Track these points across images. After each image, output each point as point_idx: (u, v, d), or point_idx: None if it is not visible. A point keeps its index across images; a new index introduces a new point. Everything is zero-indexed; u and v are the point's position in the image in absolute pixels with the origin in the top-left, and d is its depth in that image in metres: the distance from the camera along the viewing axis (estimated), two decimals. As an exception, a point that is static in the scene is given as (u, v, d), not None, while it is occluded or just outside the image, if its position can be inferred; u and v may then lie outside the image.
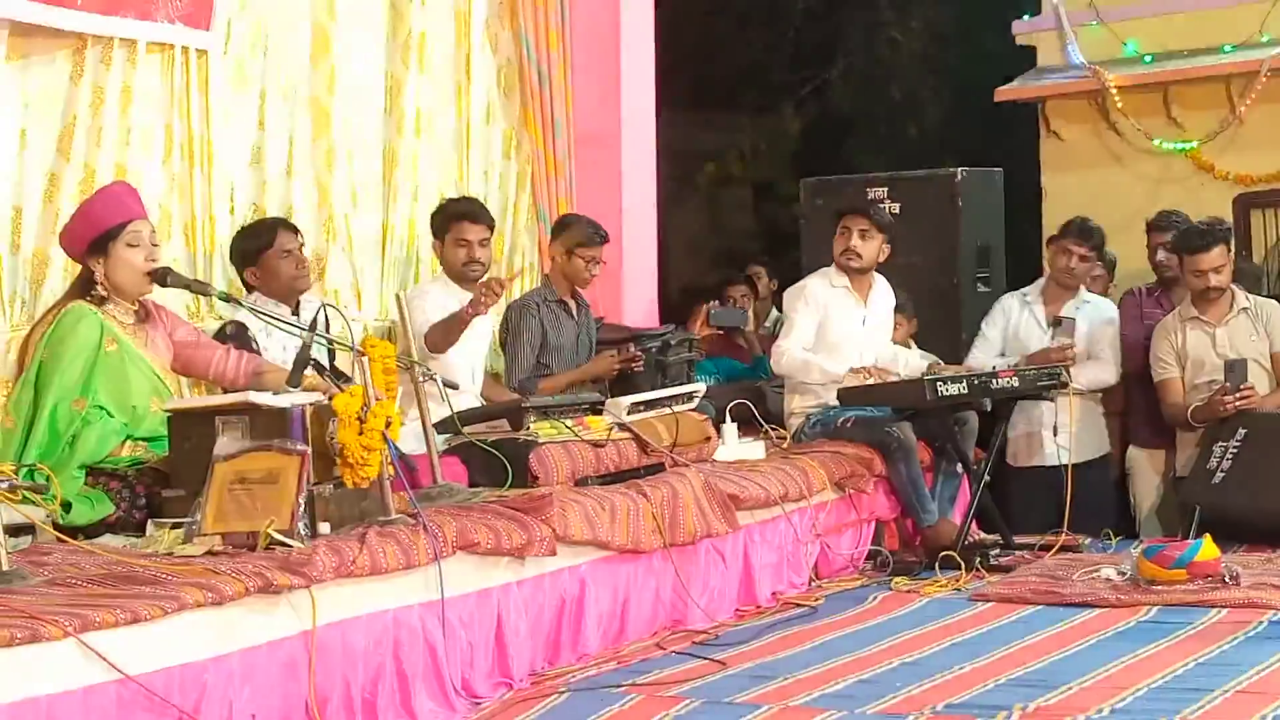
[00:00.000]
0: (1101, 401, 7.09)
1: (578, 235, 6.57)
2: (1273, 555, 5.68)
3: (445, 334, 5.66)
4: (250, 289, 5.54)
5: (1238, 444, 6.27)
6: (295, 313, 5.43)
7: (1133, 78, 9.22)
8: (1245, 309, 6.64)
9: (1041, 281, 7.21)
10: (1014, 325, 7.04)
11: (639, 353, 6.62)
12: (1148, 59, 9.24)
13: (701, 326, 7.37)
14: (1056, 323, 6.82)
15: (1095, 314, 7.01)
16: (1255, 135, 8.95)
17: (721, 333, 7.58)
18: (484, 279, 5.88)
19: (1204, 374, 6.58)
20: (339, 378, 4.61)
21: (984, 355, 7.01)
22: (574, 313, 6.58)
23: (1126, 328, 7.01)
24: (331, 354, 4.96)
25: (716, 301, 7.76)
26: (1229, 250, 6.69)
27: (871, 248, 6.50)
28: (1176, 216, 7.17)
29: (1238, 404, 6.32)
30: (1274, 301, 6.81)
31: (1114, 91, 9.21)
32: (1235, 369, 6.36)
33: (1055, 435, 6.75)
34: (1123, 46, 9.35)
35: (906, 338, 7.16)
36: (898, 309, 6.92)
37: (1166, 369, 6.68)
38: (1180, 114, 9.18)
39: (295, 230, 5.71)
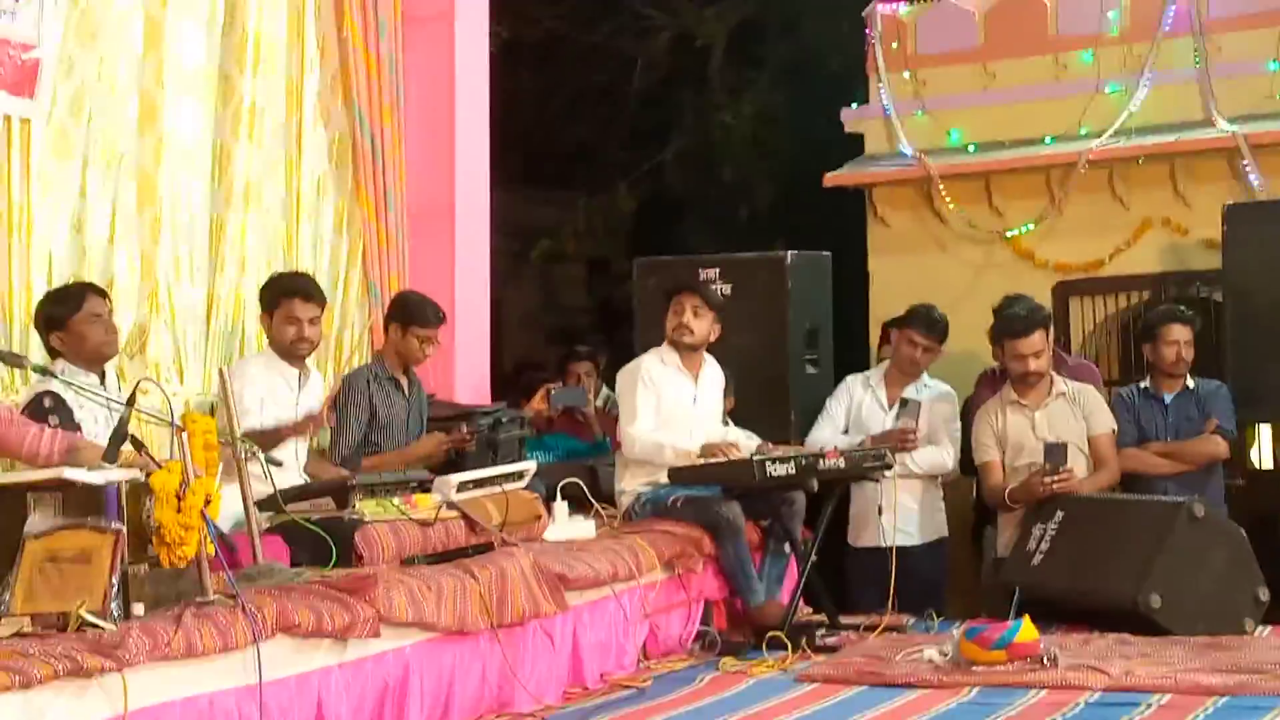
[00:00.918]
0: (943, 485, 7.18)
1: (415, 315, 6.52)
2: (1090, 636, 5.80)
3: (262, 442, 5.46)
4: (55, 355, 5.35)
5: (1056, 526, 6.41)
6: (102, 381, 5.28)
7: (956, 166, 9.48)
8: (1063, 393, 6.81)
9: (884, 365, 7.31)
10: (856, 406, 7.13)
11: (467, 434, 6.56)
12: (971, 148, 9.51)
13: (540, 403, 7.35)
14: (902, 404, 6.90)
15: (936, 399, 7.11)
16: (1073, 225, 9.25)
17: (563, 412, 7.58)
18: (306, 417, 5.79)
19: (1023, 456, 6.73)
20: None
21: (828, 433, 7.07)
22: (406, 390, 6.52)
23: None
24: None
25: (560, 382, 7.76)
26: (1048, 335, 6.88)
27: (704, 325, 6.55)
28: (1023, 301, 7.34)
29: (1055, 486, 6.47)
30: (1090, 387, 7.00)
31: (938, 180, 9.46)
32: (1053, 452, 6.51)
33: (881, 515, 6.85)
34: (947, 135, 9.61)
35: (724, 415, 7.23)
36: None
37: (987, 451, 6.82)
38: (1001, 202, 9.46)
39: (104, 295, 5.56)
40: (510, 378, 9.66)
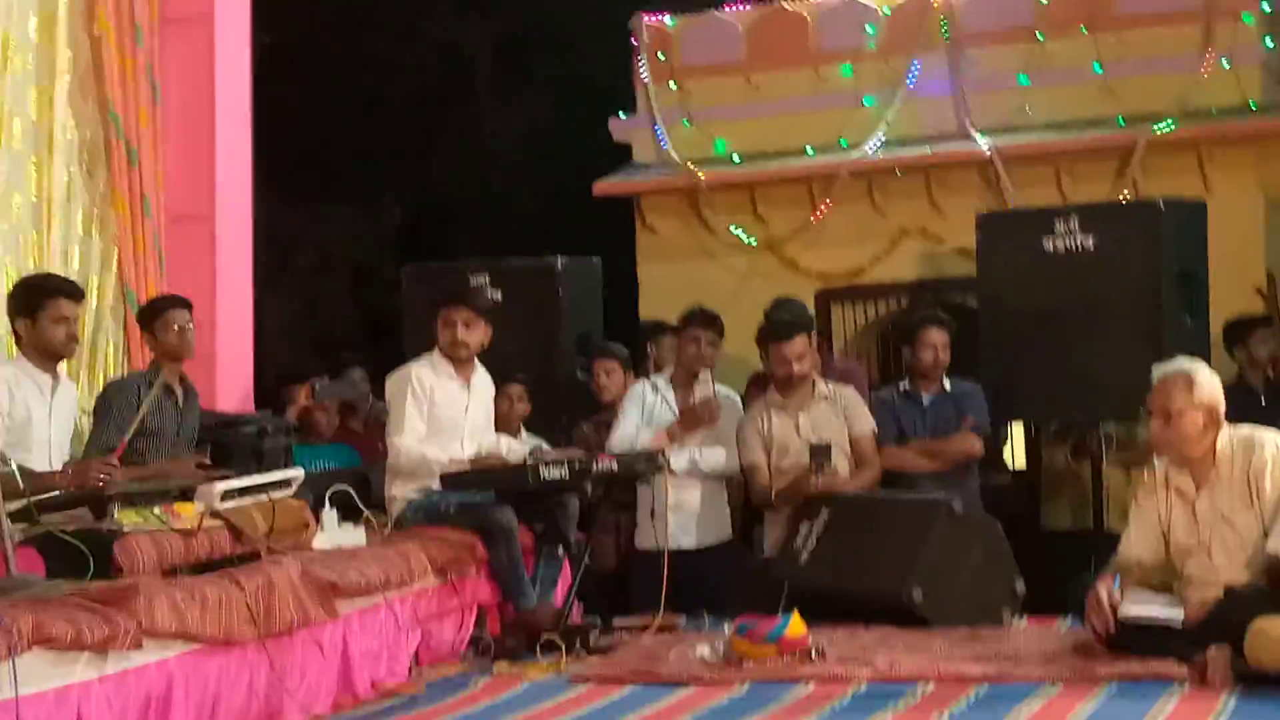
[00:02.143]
0: (728, 487, 7.20)
1: (155, 308, 6.33)
2: (857, 630, 5.91)
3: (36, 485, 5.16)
4: None
5: (822, 524, 6.54)
6: None
7: (721, 176, 9.64)
8: (826, 396, 6.96)
9: (668, 370, 7.33)
10: (649, 410, 7.14)
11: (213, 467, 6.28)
12: (736, 159, 9.67)
13: (306, 398, 7.17)
14: (813, 453, 6.68)
15: (724, 402, 7.14)
16: (835, 234, 9.49)
17: (338, 412, 7.40)
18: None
19: (789, 457, 6.85)
20: None
21: (626, 434, 6.99)
22: (179, 399, 6.29)
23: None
24: None
25: (325, 378, 7.60)
26: (811, 340, 7.03)
27: (476, 336, 6.51)
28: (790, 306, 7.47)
29: (820, 485, 6.61)
30: (852, 389, 7.17)
31: (704, 189, 9.60)
32: (818, 452, 6.65)
33: (653, 518, 6.88)
34: (714, 145, 9.76)
35: (521, 419, 7.21)
36: (516, 387, 7.05)
37: (753, 453, 6.92)
38: (766, 211, 9.64)
39: None
40: (273, 390, 9.45)
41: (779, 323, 6.96)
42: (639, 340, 8.08)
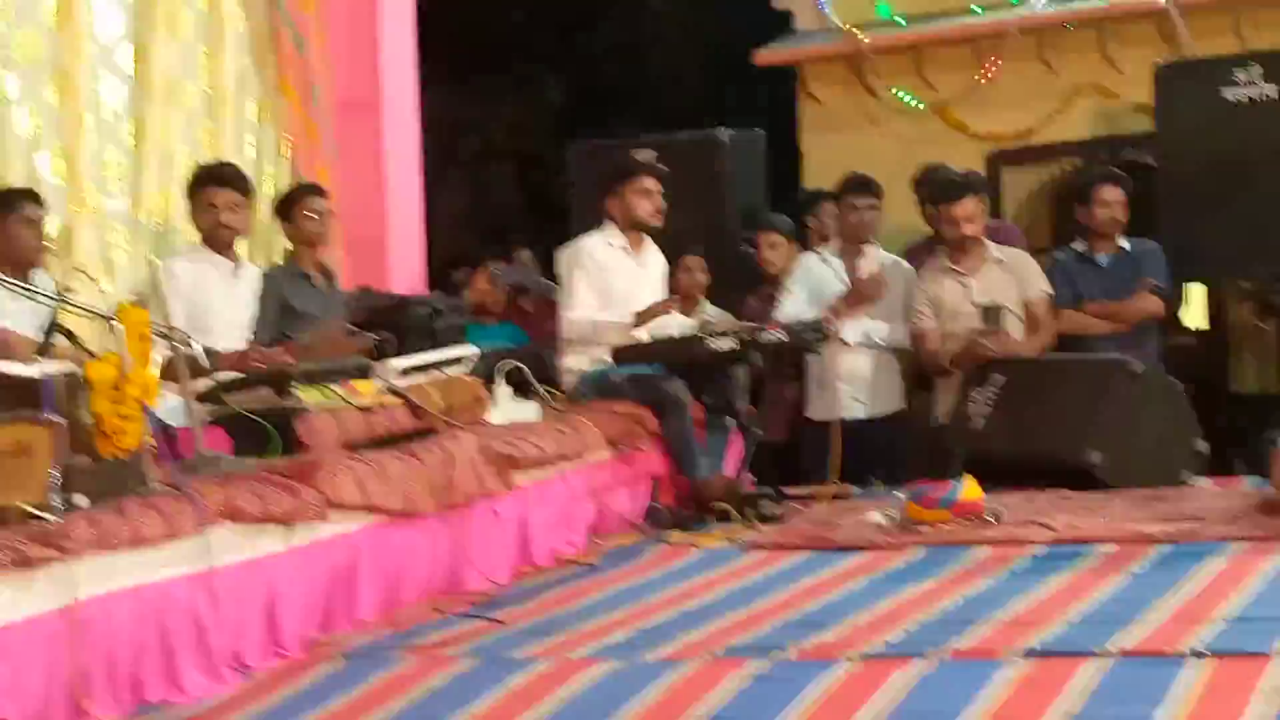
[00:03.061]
0: (899, 358, 7.12)
1: (292, 197, 6.42)
2: (1033, 494, 5.85)
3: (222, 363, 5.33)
4: None
5: (995, 389, 6.46)
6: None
7: (885, 40, 9.44)
8: (999, 260, 6.84)
9: (835, 240, 7.25)
10: (816, 281, 7.09)
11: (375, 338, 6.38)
12: (900, 20, 9.46)
13: (485, 283, 7.24)
14: (986, 315, 6.65)
15: (894, 271, 7.07)
16: (1005, 95, 9.26)
17: (508, 293, 7.48)
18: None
19: (959, 322, 6.76)
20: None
21: (793, 308, 6.95)
22: (321, 285, 6.39)
23: None
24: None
25: (501, 262, 7.68)
26: (981, 201, 6.89)
27: (657, 201, 6.53)
28: (947, 171, 7.33)
29: (994, 348, 6.51)
30: (1025, 253, 7.03)
31: (868, 53, 9.41)
32: (992, 315, 6.55)
33: (824, 388, 6.87)
34: (876, 7, 9.55)
35: (701, 290, 7.22)
36: (694, 259, 7.10)
37: (922, 318, 6.84)
38: (932, 74, 9.43)
39: (40, 202, 5.48)
40: (443, 274, 9.57)
41: (949, 182, 6.85)
42: (805, 212, 8.01)
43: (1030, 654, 3.73)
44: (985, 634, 3.99)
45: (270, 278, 6.32)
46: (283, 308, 6.17)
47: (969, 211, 6.73)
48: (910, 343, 6.91)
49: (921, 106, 9.39)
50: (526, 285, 7.83)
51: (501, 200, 17.42)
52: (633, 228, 6.56)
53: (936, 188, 6.90)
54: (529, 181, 16.46)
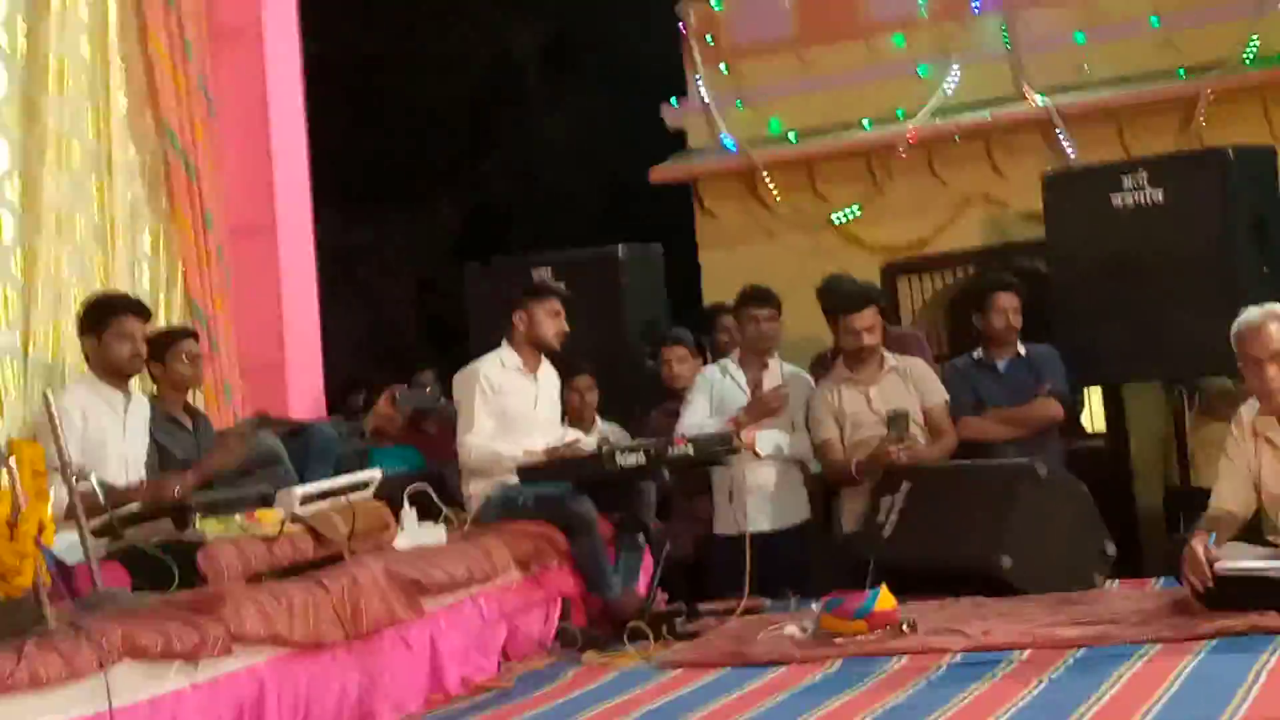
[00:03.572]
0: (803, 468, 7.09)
1: (165, 338, 6.26)
2: (946, 602, 5.84)
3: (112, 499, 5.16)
4: None
5: (904, 496, 6.46)
6: None
7: (778, 155, 9.56)
8: (894, 368, 6.89)
9: (735, 352, 7.26)
10: (718, 394, 7.07)
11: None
12: (792, 137, 9.59)
13: (387, 407, 7.15)
14: (892, 421, 6.63)
15: (795, 383, 7.09)
16: (896, 206, 9.39)
17: (409, 416, 7.39)
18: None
19: (862, 431, 6.78)
20: None
21: (694, 419, 6.91)
22: (191, 428, 6.27)
23: None
24: None
25: (405, 385, 7.60)
26: (879, 312, 6.95)
27: (563, 324, 6.53)
28: (846, 283, 7.39)
29: (901, 454, 6.53)
30: (920, 360, 7.09)
31: (762, 169, 9.52)
32: (897, 420, 6.58)
33: (730, 502, 6.84)
34: (768, 125, 9.68)
35: (593, 410, 7.19)
36: (584, 379, 7.06)
37: (826, 429, 6.85)
38: (825, 188, 9.56)
39: None
40: (340, 398, 9.45)
41: (849, 294, 6.91)
42: (704, 326, 8.03)
43: (955, 765, 3.68)
44: (910, 746, 3.95)
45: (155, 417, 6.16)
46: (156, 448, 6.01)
47: (868, 322, 6.79)
48: (815, 452, 6.91)
49: (850, 216, 9.41)
50: (428, 408, 7.73)
51: (397, 323, 17.34)
52: (534, 346, 6.52)
53: (836, 298, 6.95)
54: (425, 304, 16.41)
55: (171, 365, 6.20)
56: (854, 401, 6.83)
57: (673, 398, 7.38)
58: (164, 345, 6.21)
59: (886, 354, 6.93)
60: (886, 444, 6.56)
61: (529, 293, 6.60)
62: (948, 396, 6.90)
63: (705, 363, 7.47)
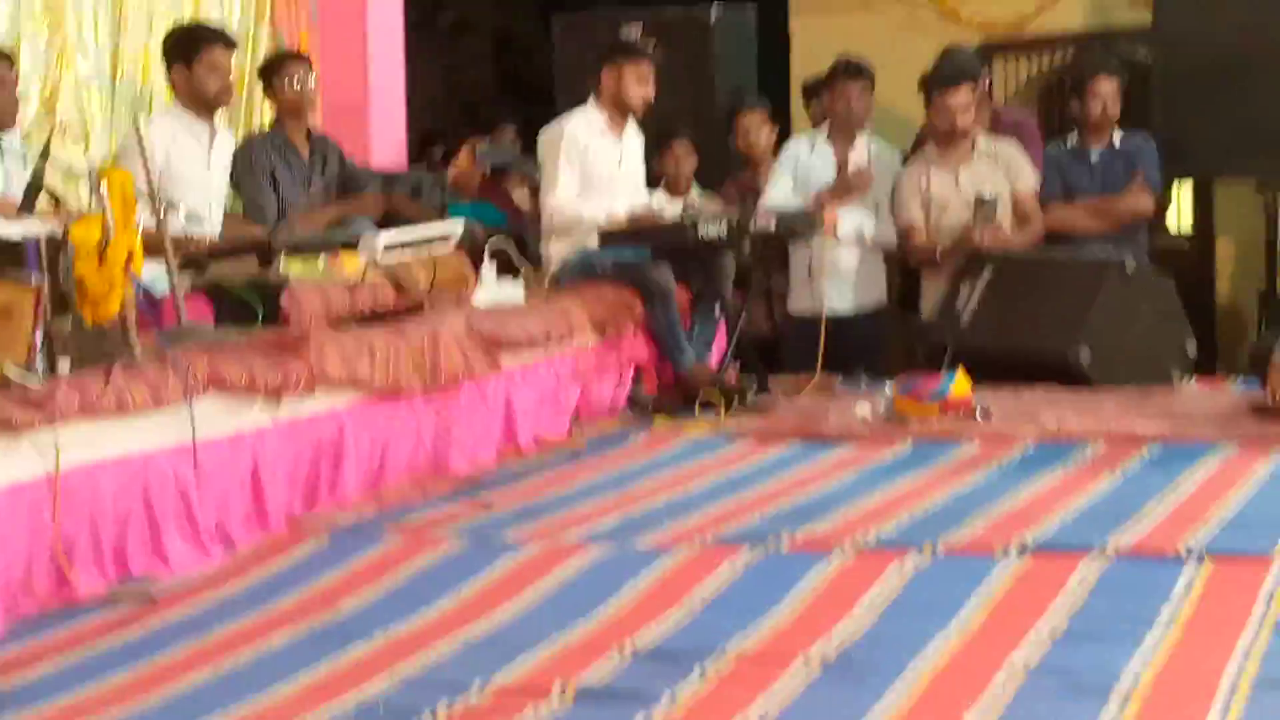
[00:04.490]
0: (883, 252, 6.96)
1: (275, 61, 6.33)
2: (1021, 390, 5.80)
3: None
4: None
5: (984, 284, 6.38)
6: None
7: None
8: (987, 152, 6.73)
9: (824, 125, 7.12)
10: (804, 168, 6.96)
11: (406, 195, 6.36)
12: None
13: (466, 162, 7.06)
14: (979, 205, 6.52)
15: (884, 161, 6.94)
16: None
17: (488, 175, 7.32)
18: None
19: (948, 215, 6.67)
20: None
21: (780, 195, 6.80)
22: (307, 158, 6.26)
23: None
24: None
25: (485, 139, 7.50)
26: (975, 91, 6.76)
27: (650, 89, 6.40)
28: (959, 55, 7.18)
29: (986, 239, 6.43)
30: (1014, 144, 6.91)
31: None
32: (985, 206, 6.46)
33: (808, 279, 6.79)
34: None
35: (689, 176, 7.10)
36: (681, 143, 6.98)
37: (910, 211, 6.74)
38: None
39: (11, 62, 5.33)
40: (420, 150, 9.37)
41: (944, 69, 6.71)
42: (790, 96, 7.87)
43: (1025, 550, 3.70)
44: (978, 529, 3.97)
45: (247, 149, 6.17)
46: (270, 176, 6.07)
47: (963, 100, 6.61)
48: (898, 235, 6.82)
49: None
50: (507, 164, 7.66)
51: (477, 77, 17.12)
52: (618, 109, 6.41)
53: (932, 73, 6.77)
54: (507, 58, 16.17)
55: (280, 87, 6.20)
56: (942, 184, 6.69)
57: (747, 166, 7.27)
58: (272, 69, 6.21)
59: (981, 136, 6.77)
60: (972, 228, 6.46)
61: (618, 50, 6.44)
62: (1038, 183, 6.76)
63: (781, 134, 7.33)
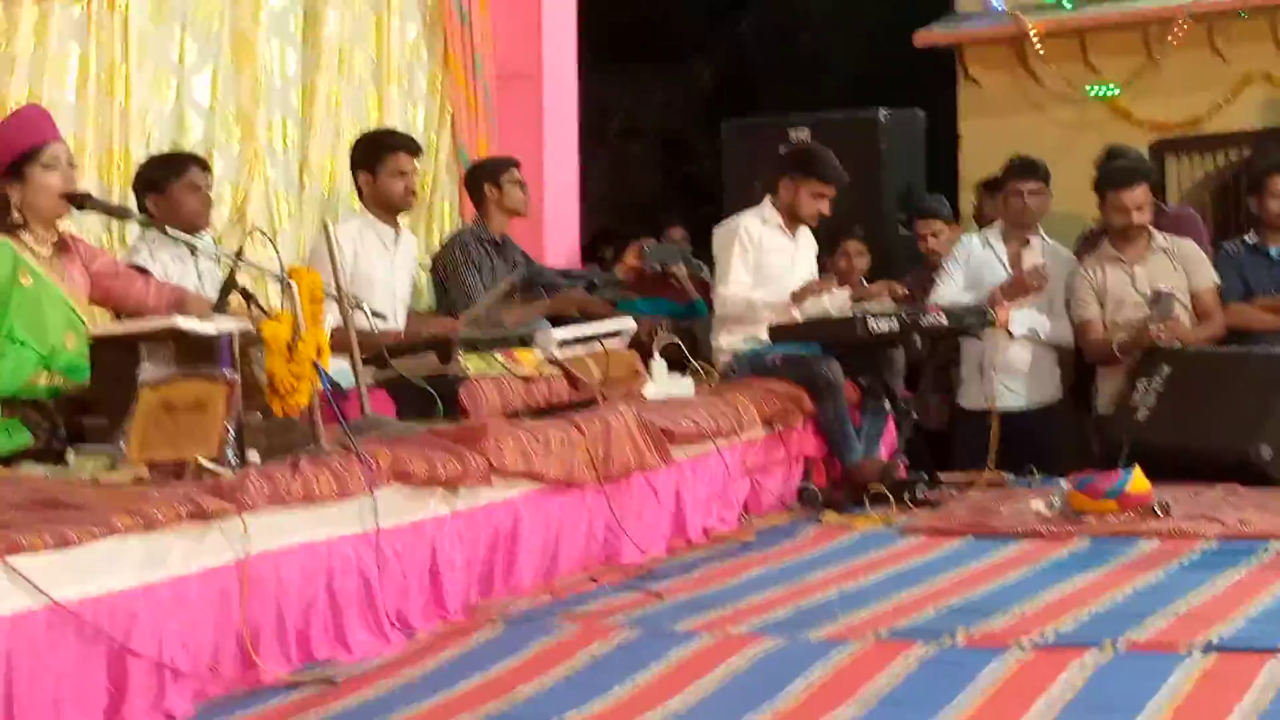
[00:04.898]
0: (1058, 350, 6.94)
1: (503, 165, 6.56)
2: (1200, 488, 5.70)
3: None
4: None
5: (1162, 380, 6.29)
6: (192, 253, 5.32)
7: (1052, 23, 9.25)
8: (1163, 248, 6.68)
9: (998, 224, 7.13)
10: (976, 265, 6.97)
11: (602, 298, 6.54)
12: (1067, 4, 9.27)
13: (634, 259, 7.21)
14: (1156, 299, 6.50)
15: (1058, 261, 6.93)
16: (1171, 81, 9.03)
17: (655, 272, 7.45)
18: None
19: (1124, 311, 6.61)
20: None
21: (950, 291, 6.86)
22: (502, 252, 6.48)
23: None
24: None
25: (652, 239, 7.66)
26: (1150, 189, 6.73)
27: (825, 208, 6.47)
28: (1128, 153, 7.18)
29: (1165, 335, 6.35)
30: (1190, 241, 6.84)
31: (1033, 37, 9.23)
32: (1162, 300, 6.40)
33: (980, 376, 6.76)
34: (1041, -9, 9.38)
35: (861, 273, 7.15)
36: (854, 242, 7.08)
37: (1086, 308, 6.69)
38: (1097, 59, 9.23)
39: (207, 168, 5.61)
40: (589, 250, 9.55)
41: (1120, 169, 6.70)
42: (957, 196, 7.88)
43: (1210, 649, 3.62)
44: (1161, 626, 3.89)
45: (463, 239, 6.37)
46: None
47: (1139, 199, 6.58)
48: (1074, 331, 6.76)
49: (1109, 93, 9.09)
50: (674, 262, 7.77)
51: (645, 180, 17.39)
52: (791, 216, 6.50)
53: (1107, 174, 6.75)
54: (673, 162, 16.41)
55: (502, 186, 6.47)
56: (1118, 280, 6.65)
57: (928, 267, 7.29)
58: (495, 170, 6.53)
59: (1155, 233, 6.72)
60: (1150, 323, 6.39)
61: (801, 165, 6.51)
62: (1218, 280, 6.67)
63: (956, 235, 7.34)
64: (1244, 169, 8.28)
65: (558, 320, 6.02)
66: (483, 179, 6.57)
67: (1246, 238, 6.92)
